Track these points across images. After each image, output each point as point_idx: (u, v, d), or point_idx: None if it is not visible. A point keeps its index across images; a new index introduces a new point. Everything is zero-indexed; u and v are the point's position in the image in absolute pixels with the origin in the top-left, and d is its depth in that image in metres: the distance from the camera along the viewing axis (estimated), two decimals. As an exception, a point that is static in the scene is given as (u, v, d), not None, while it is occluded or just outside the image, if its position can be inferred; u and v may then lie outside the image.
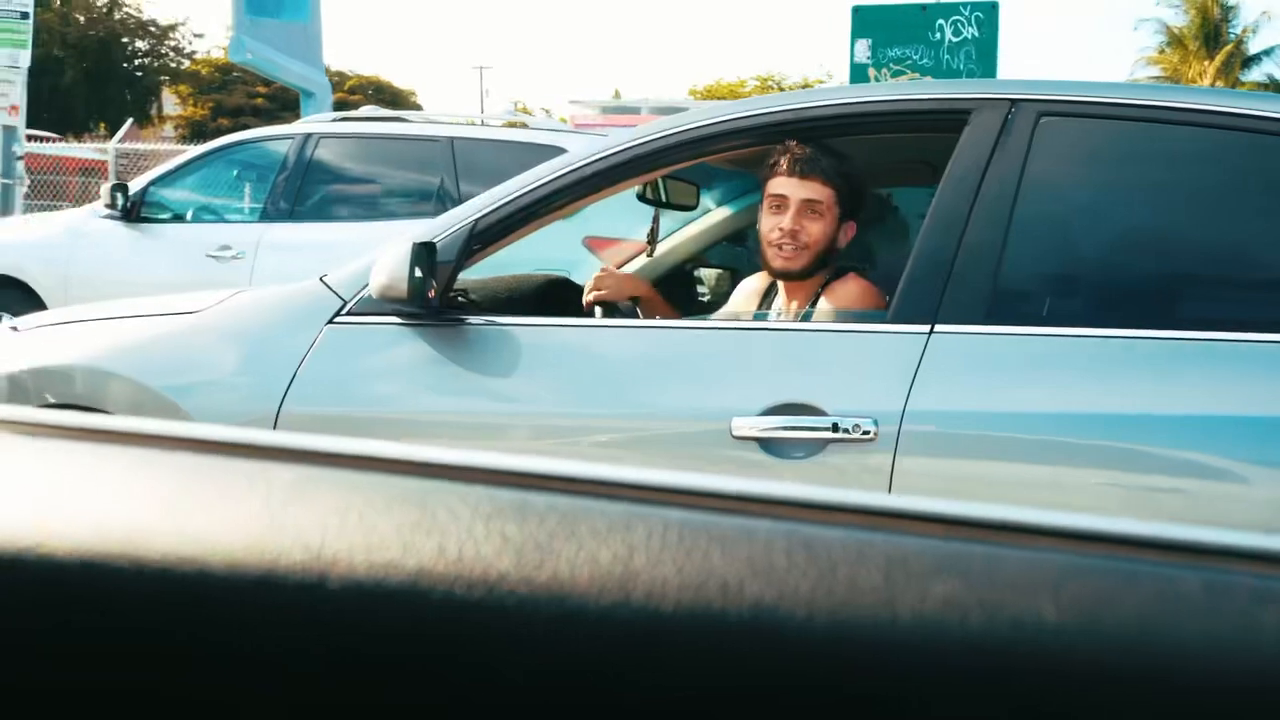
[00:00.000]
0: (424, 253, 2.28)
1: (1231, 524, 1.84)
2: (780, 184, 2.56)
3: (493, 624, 0.35)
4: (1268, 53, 41.97)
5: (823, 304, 2.54)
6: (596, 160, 2.41)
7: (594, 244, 5.58)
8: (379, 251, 2.40)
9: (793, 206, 2.54)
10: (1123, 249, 2.20)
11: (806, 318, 2.52)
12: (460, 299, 2.56)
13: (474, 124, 7.13)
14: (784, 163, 2.55)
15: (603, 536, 0.36)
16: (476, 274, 2.79)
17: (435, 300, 2.30)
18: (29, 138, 12.30)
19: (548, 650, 0.34)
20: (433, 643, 0.35)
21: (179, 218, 7.11)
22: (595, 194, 2.48)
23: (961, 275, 2.09)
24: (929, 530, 0.36)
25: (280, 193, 6.60)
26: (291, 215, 6.51)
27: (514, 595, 0.35)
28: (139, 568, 0.39)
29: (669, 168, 2.64)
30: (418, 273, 2.25)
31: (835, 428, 2.00)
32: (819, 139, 2.53)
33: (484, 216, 2.40)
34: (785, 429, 2.04)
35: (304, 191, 6.63)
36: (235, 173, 8.21)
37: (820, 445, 2.02)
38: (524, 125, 7.39)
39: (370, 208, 6.73)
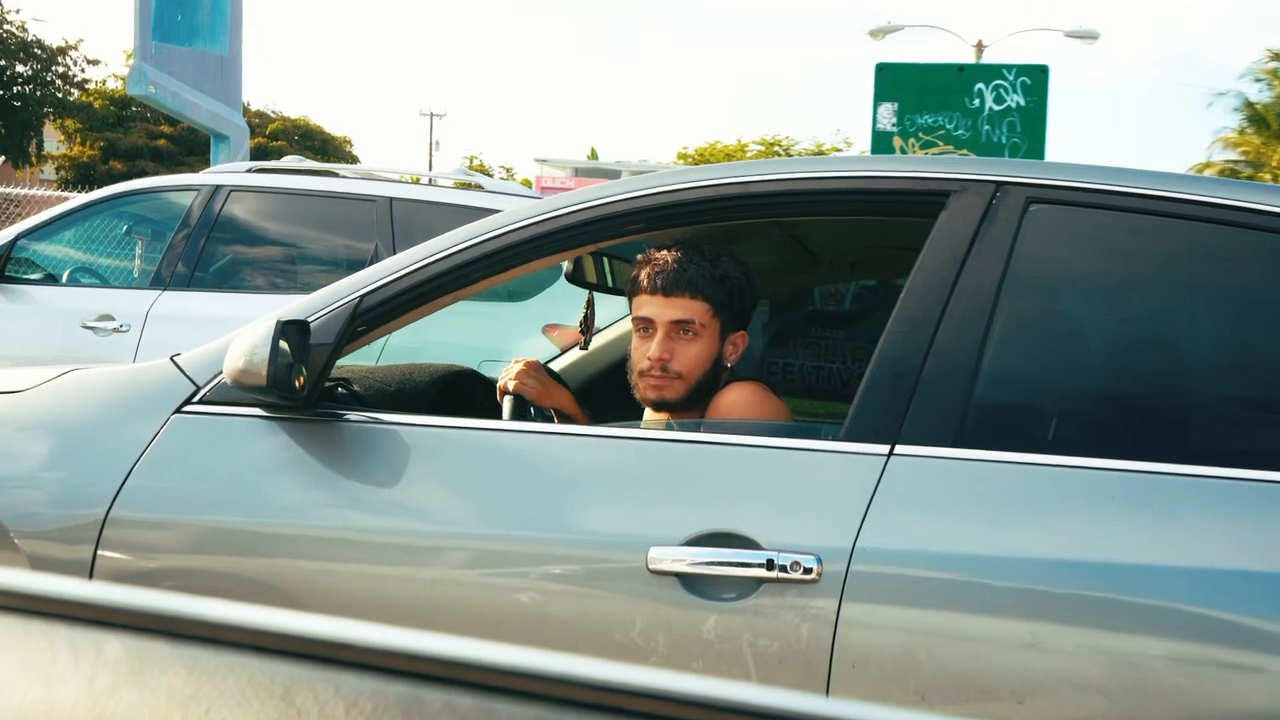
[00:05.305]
0: (293, 333, 2.27)
1: (1246, 708, 1.82)
2: (644, 304, 2.64)
3: None
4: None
5: (709, 420, 2.56)
6: (511, 230, 2.42)
7: (555, 334, 5.63)
8: (241, 329, 2.37)
9: (660, 330, 2.61)
10: (1126, 364, 2.23)
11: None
12: (340, 390, 2.56)
13: (419, 182, 7.18)
14: (644, 278, 2.62)
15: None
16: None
17: (304, 390, 2.28)
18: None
19: None
20: None
21: (52, 278, 7.09)
22: (508, 271, 2.49)
23: (930, 387, 2.10)
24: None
25: (179, 254, 6.56)
26: (191, 282, 6.47)
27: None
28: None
29: (600, 243, 2.67)
30: (283, 356, 2.23)
31: (771, 564, 1.99)
32: (757, 220, 2.58)
33: (371, 293, 2.40)
34: (711, 564, 2.03)
35: (208, 254, 6.60)
36: (126, 228, 8.22)
37: (752, 585, 2.00)
38: (478, 186, 7.45)
39: (288, 278, 6.72)
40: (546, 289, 5.89)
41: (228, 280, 6.67)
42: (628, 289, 2.71)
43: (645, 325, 2.63)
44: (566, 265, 3.23)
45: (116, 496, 2.30)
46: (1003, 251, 2.16)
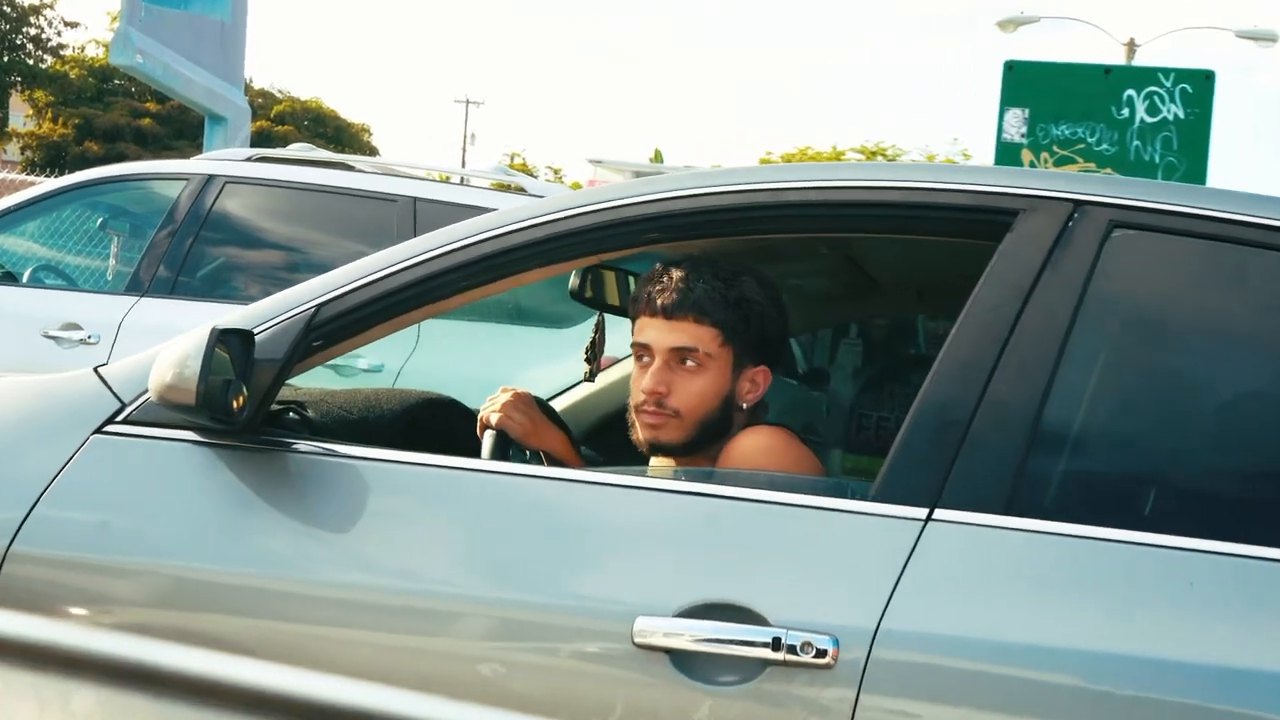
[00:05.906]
0: (235, 344, 2.29)
1: None
2: (644, 327, 2.67)
3: None
4: None
5: (719, 470, 2.57)
6: (502, 234, 2.44)
7: (603, 365, 5.62)
8: (176, 338, 2.36)
9: (657, 358, 2.64)
10: (1223, 425, 2.21)
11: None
12: (292, 414, 2.59)
13: (449, 181, 7.23)
14: (646, 297, 2.66)
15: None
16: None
17: (243, 412, 2.29)
18: None
19: None
20: None
21: (11, 277, 7.20)
22: (497, 282, 2.52)
23: (980, 441, 2.09)
24: None
25: (161, 255, 6.57)
26: (174, 288, 6.48)
27: None
28: None
29: (610, 253, 2.70)
30: (218, 371, 2.23)
31: (778, 644, 1.98)
32: (785, 232, 2.57)
33: (329, 302, 2.42)
34: (708, 640, 2.02)
35: (196, 256, 6.62)
36: (100, 221, 8.30)
37: (755, 668, 1.99)
38: (519, 188, 7.49)
39: (288, 287, 6.75)
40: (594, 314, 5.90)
41: (218, 288, 6.71)
42: (630, 309, 2.75)
43: (644, 352, 2.66)
44: (573, 279, 3.25)
45: (20, 529, 2.31)
46: (1077, 284, 2.16)
